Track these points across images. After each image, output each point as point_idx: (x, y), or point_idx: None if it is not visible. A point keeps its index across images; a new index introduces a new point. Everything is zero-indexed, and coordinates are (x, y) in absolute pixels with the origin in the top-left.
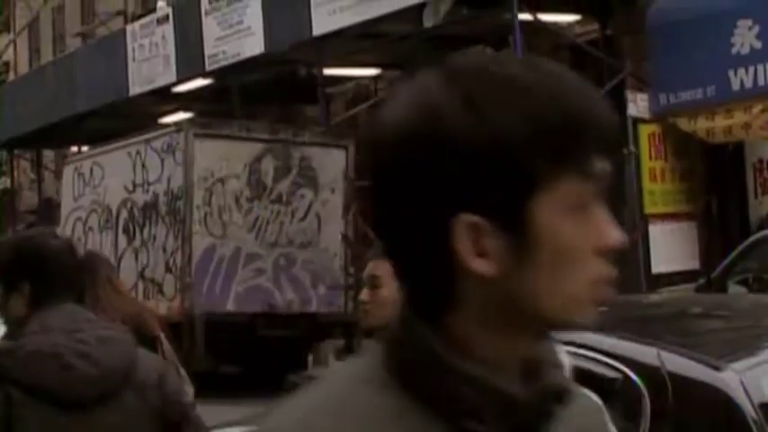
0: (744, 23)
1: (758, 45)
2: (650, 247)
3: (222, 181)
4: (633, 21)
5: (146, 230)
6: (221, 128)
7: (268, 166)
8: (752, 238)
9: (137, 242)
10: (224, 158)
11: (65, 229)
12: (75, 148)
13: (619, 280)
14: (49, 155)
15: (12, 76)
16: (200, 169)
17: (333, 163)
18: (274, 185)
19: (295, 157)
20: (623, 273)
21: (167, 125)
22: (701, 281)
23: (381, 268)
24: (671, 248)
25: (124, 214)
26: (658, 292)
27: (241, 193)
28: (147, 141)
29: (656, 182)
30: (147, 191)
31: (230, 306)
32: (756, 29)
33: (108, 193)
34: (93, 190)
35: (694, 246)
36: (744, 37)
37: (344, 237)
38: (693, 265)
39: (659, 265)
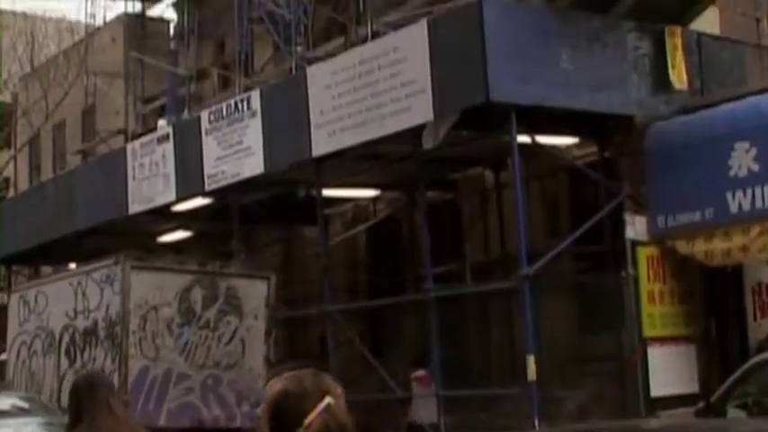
0: (741, 146)
1: (756, 168)
2: (649, 370)
3: (156, 308)
4: (631, 143)
5: (86, 353)
6: (155, 261)
7: (197, 295)
8: (751, 362)
9: (78, 364)
10: (157, 288)
11: (10, 353)
12: (73, 265)
13: (618, 403)
14: (47, 271)
15: (12, 192)
16: (135, 298)
17: (256, 292)
18: (203, 313)
19: (222, 287)
20: (622, 396)
21: (107, 259)
22: (700, 405)
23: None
24: (670, 371)
25: (66, 339)
26: (657, 415)
27: (172, 319)
28: (88, 273)
29: (655, 304)
30: (88, 317)
31: (162, 422)
32: (754, 152)
33: (51, 319)
34: (38, 316)
35: (693, 369)
36: (741, 160)
37: (266, 359)
38: (692, 388)
39: (658, 389)
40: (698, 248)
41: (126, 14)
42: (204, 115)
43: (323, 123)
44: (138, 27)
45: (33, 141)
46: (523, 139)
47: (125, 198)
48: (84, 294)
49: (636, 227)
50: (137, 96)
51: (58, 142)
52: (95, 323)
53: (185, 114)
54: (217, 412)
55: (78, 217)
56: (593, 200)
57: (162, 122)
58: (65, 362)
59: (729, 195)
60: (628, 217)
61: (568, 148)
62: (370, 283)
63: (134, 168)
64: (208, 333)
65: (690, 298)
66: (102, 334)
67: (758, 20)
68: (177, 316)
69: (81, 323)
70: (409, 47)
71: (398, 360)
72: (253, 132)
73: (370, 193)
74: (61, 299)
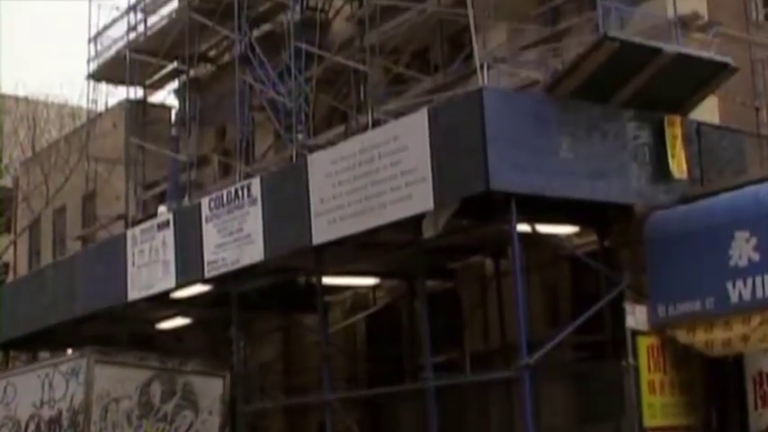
0: (741, 236)
1: (756, 257)
2: None
3: (117, 401)
4: (631, 232)
5: None
6: (117, 356)
7: (156, 389)
8: None
9: None
10: (119, 381)
11: None
12: (70, 351)
13: None
14: (45, 357)
15: (11, 277)
16: (98, 390)
17: (211, 389)
18: (161, 406)
19: (179, 383)
20: None
21: (73, 352)
22: None
23: None
24: None
25: (32, 427)
26: None
27: (132, 411)
28: (56, 365)
29: (656, 394)
30: (53, 407)
31: None
32: (754, 241)
33: (19, 408)
34: (6, 406)
35: None
36: (741, 249)
37: None
38: None
39: None
40: (698, 338)
41: (128, 101)
42: (205, 202)
43: (323, 211)
44: (139, 113)
45: (33, 226)
46: (523, 227)
47: (124, 284)
48: (50, 385)
49: (636, 316)
50: (137, 182)
51: (59, 227)
52: (60, 413)
53: (186, 201)
54: None
55: (77, 303)
56: (594, 289)
57: (162, 209)
58: None
59: (730, 285)
60: (628, 306)
61: (568, 236)
62: (370, 371)
63: (134, 255)
64: (165, 426)
65: (690, 388)
66: (65, 423)
67: (757, 109)
68: (137, 408)
69: (46, 412)
70: (410, 135)
71: None
72: (253, 220)
73: (369, 281)
74: (29, 389)
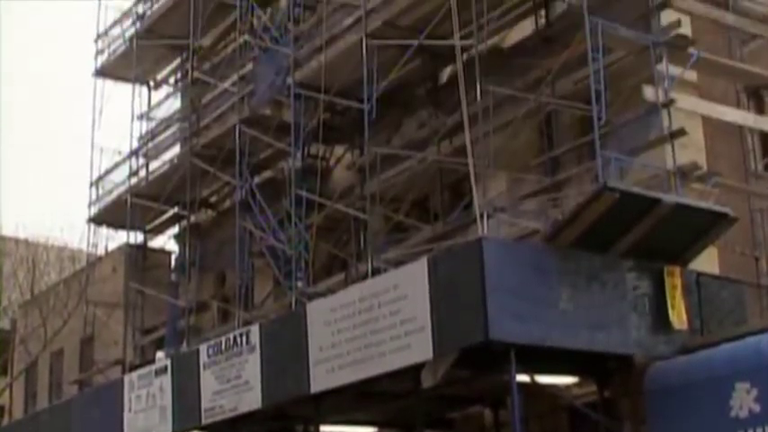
0: (742, 387)
1: (757, 408)
2: None
3: None
4: (631, 383)
5: None
6: None
7: None
8: None
9: None
10: None
11: None
12: None
13: None
14: None
15: (7, 420)
16: None
17: None
18: None
19: None
20: None
21: None
22: None
23: None
24: None
25: None
26: None
27: None
28: None
29: None
30: None
31: None
32: (755, 392)
33: None
34: None
35: None
36: (742, 400)
37: None
38: None
39: None
40: None
41: (128, 245)
42: (203, 349)
43: (322, 359)
44: (139, 258)
45: (30, 369)
46: (523, 378)
47: (121, 430)
48: None
49: None
50: (136, 327)
51: (56, 371)
52: None
53: (184, 347)
54: None
55: None
56: None
57: (160, 354)
58: None
59: None
60: None
61: (568, 387)
62: None
63: (131, 400)
64: None
65: None
66: None
67: (757, 259)
68: None
69: None
70: (409, 284)
71: None
72: (251, 367)
73: (368, 430)
74: None
